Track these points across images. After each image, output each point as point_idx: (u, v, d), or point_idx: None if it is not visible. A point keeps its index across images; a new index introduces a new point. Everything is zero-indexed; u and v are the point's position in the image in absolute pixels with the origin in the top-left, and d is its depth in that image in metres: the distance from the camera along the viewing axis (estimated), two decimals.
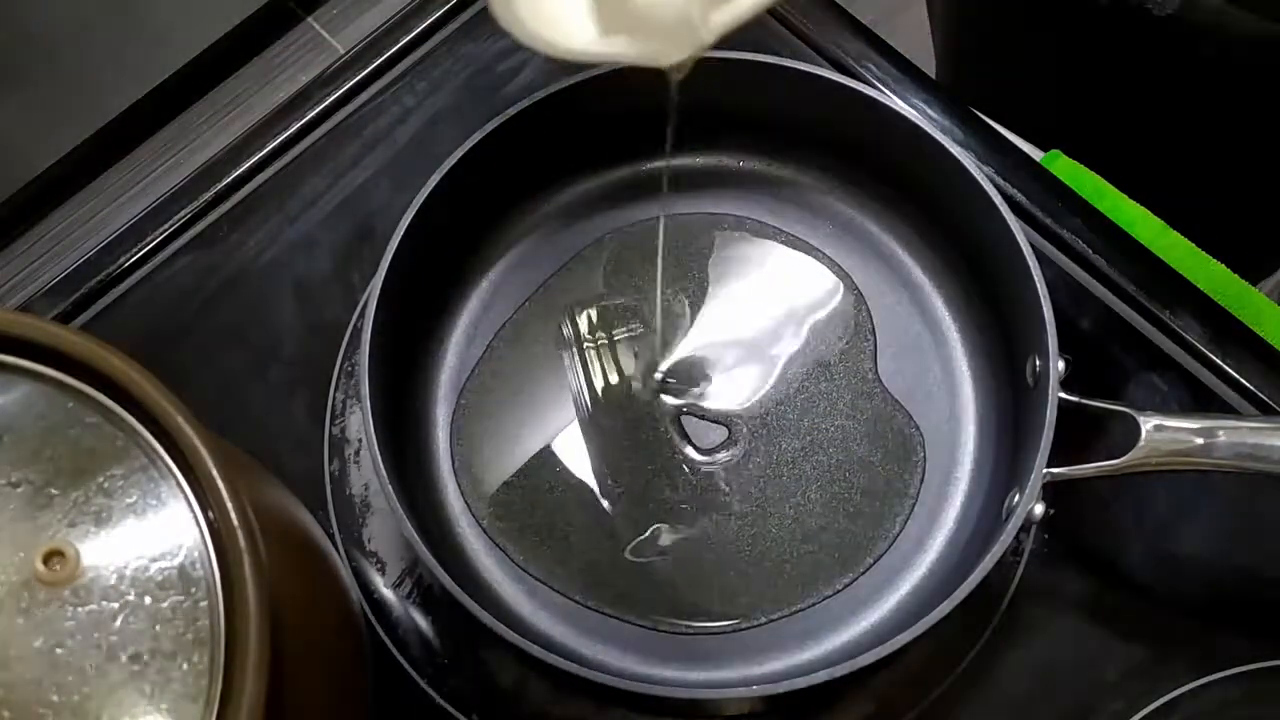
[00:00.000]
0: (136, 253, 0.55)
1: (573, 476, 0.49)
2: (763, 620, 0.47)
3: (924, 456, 0.49)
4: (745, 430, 0.49)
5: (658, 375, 0.50)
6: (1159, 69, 0.62)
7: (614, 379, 0.51)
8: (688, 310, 0.52)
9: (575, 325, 0.51)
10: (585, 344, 0.51)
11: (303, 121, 0.57)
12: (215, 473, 0.30)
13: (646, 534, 0.48)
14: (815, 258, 0.53)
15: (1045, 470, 0.42)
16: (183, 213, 0.56)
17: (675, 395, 0.50)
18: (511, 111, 0.48)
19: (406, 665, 0.47)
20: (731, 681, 0.46)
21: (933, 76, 0.58)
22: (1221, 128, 0.64)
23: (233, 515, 0.30)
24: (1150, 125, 0.66)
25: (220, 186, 0.56)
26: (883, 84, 0.56)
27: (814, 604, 0.47)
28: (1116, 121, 0.67)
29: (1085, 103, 0.68)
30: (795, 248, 0.53)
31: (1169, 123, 0.65)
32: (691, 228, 0.53)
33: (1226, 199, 0.68)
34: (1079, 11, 0.61)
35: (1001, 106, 0.60)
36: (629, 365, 0.51)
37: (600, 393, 0.50)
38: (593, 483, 0.49)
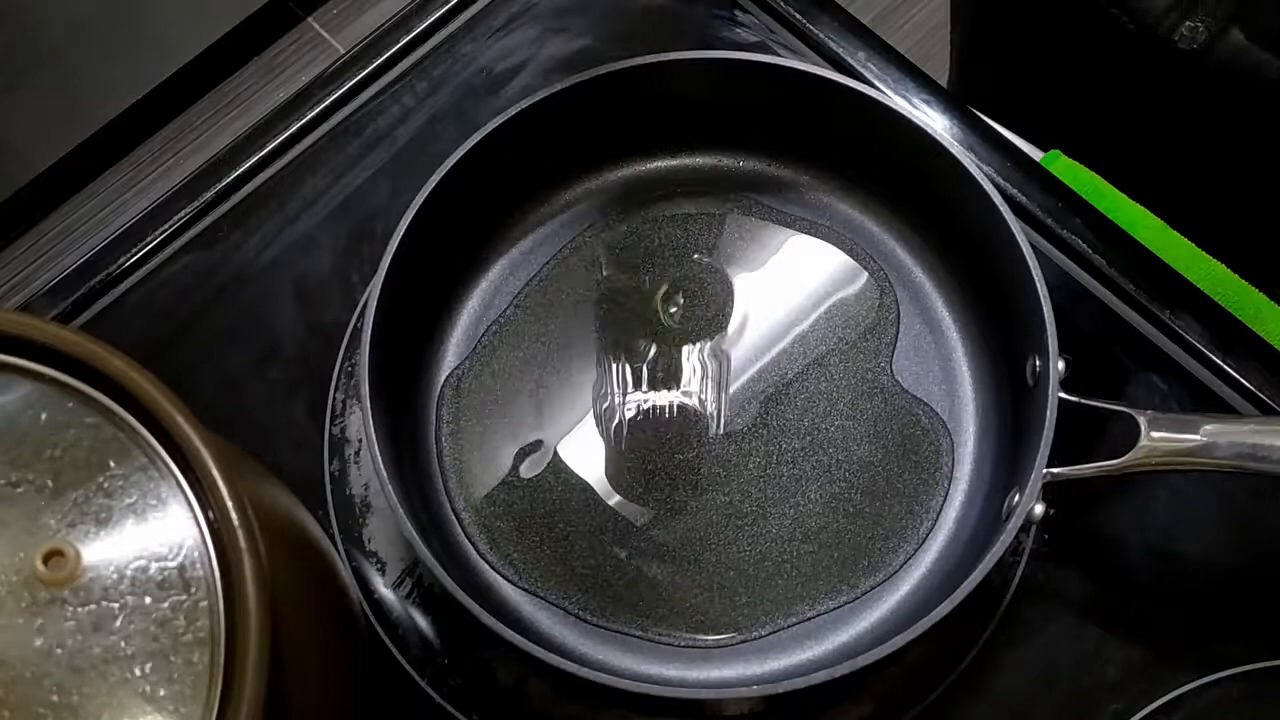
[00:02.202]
0: (137, 253, 0.55)
1: (573, 476, 0.49)
2: (764, 632, 0.46)
3: (950, 454, 0.49)
4: (745, 430, 0.49)
5: (660, 373, 0.50)
6: (1177, 95, 0.62)
7: (619, 376, 0.51)
8: (689, 308, 0.52)
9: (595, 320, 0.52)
10: (595, 339, 0.51)
11: (303, 121, 0.57)
12: (215, 473, 0.30)
13: (647, 534, 0.48)
14: (814, 258, 0.53)
15: (1045, 470, 0.42)
16: (183, 213, 0.56)
17: (676, 394, 0.50)
18: (511, 112, 0.48)
19: (406, 665, 0.47)
20: (731, 681, 0.46)
21: (931, 76, 0.57)
22: (1232, 151, 0.64)
23: (233, 515, 0.30)
24: (1158, 138, 0.66)
25: (220, 186, 0.56)
26: (883, 84, 0.56)
27: (817, 610, 0.47)
28: (1123, 130, 0.67)
29: (1094, 111, 0.68)
30: (794, 249, 0.53)
31: (1178, 138, 0.65)
32: (692, 227, 0.53)
33: (1228, 202, 0.69)
34: (1103, 32, 0.61)
35: (1004, 107, 0.60)
36: (631, 362, 0.51)
37: (607, 391, 0.50)
38: (593, 482, 0.49)
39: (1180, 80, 0.60)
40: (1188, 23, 0.56)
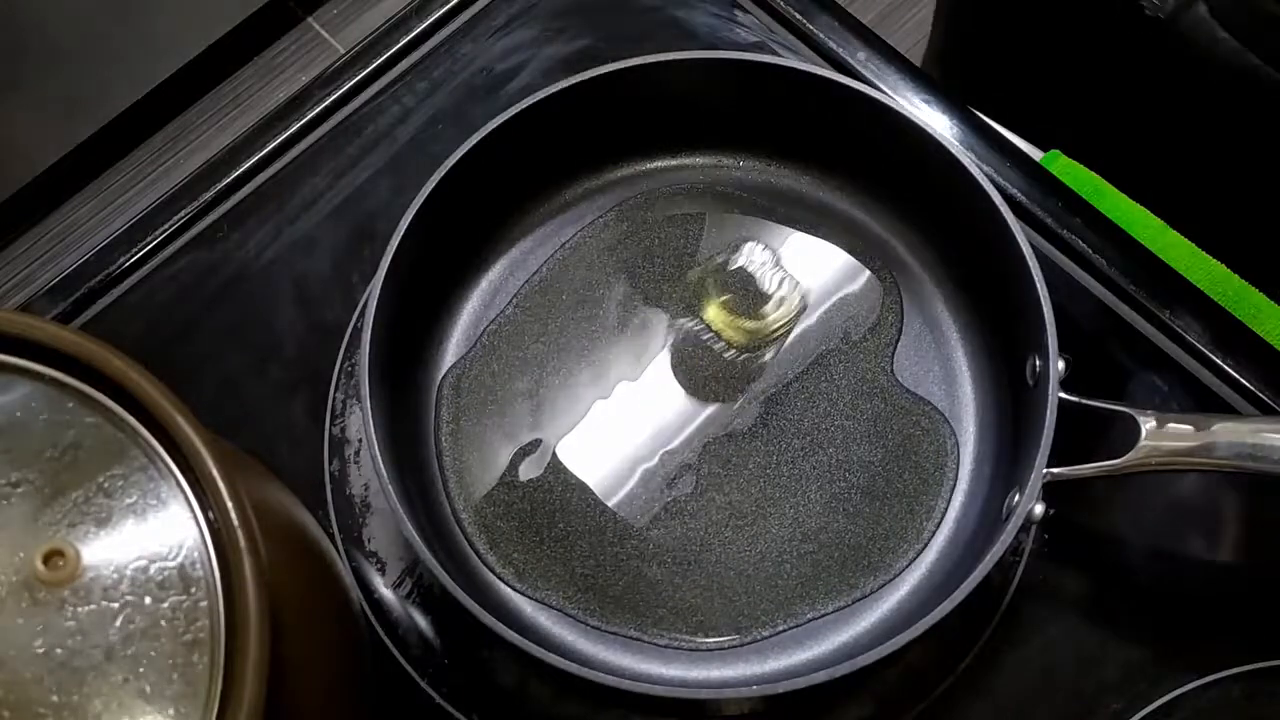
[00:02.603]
0: (137, 253, 0.55)
1: (572, 476, 0.49)
2: (764, 633, 0.46)
3: (950, 455, 0.49)
4: (745, 430, 0.49)
5: (660, 374, 0.50)
6: (1144, 67, 0.62)
7: (619, 376, 0.51)
8: (689, 309, 0.52)
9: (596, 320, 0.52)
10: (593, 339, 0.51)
11: (303, 121, 0.57)
12: (215, 473, 0.30)
13: (647, 534, 0.48)
14: (814, 258, 0.53)
15: (1045, 470, 0.42)
16: (183, 213, 0.56)
17: (675, 395, 0.50)
18: (511, 112, 0.48)
19: (406, 665, 0.47)
20: (731, 681, 0.46)
21: (931, 77, 0.58)
22: (1224, 146, 0.64)
23: (233, 515, 0.30)
24: (1156, 136, 0.66)
25: (220, 186, 0.56)
26: (883, 84, 0.56)
27: (817, 610, 0.47)
28: (1122, 129, 0.67)
29: (1085, 102, 0.68)
30: (794, 249, 0.53)
31: (1175, 136, 0.65)
32: (692, 227, 0.53)
33: (1227, 202, 0.68)
34: (1088, 5, 0.61)
35: (1002, 106, 0.60)
36: (631, 363, 0.51)
37: (607, 391, 0.50)
38: (592, 483, 0.49)
39: (1146, 50, 0.60)
40: None
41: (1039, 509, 0.43)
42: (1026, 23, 0.68)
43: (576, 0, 0.60)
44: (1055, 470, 0.43)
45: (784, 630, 0.46)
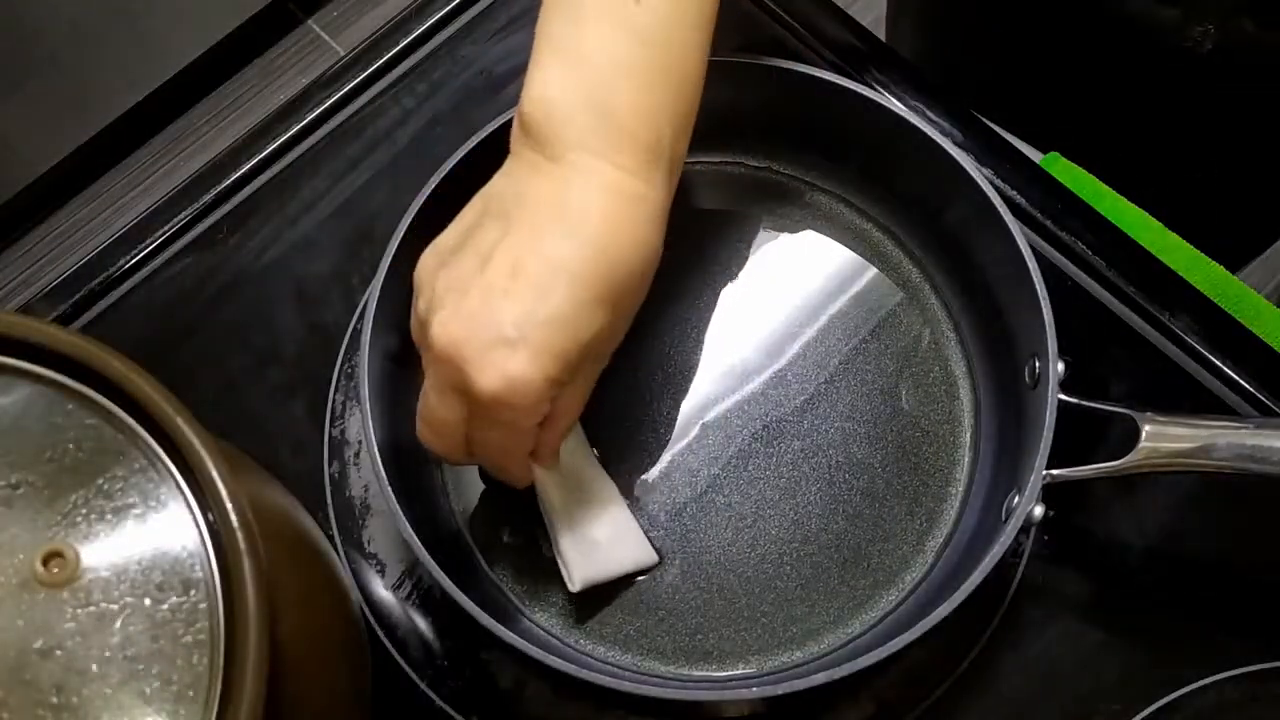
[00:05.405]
0: (137, 255, 0.55)
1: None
2: (764, 634, 0.46)
3: (949, 456, 0.49)
4: (745, 432, 0.49)
5: (660, 375, 0.50)
6: (1189, 97, 0.62)
7: (617, 377, 0.51)
8: (689, 310, 0.52)
9: None
10: None
11: (303, 124, 0.57)
12: (215, 474, 0.30)
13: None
14: (814, 259, 0.53)
15: (1045, 471, 0.42)
16: (183, 215, 0.56)
17: (675, 395, 0.50)
18: (511, 113, 0.48)
19: (406, 667, 0.47)
20: (731, 682, 0.46)
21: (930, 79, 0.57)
22: (1233, 150, 0.64)
23: (233, 516, 0.30)
24: (1158, 139, 0.66)
25: (220, 188, 0.56)
26: (882, 86, 0.56)
27: (817, 611, 0.47)
28: (1123, 132, 0.67)
29: (1090, 110, 0.68)
30: (794, 250, 0.53)
31: (1177, 139, 0.65)
32: (691, 229, 0.53)
33: (1227, 205, 0.68)
34: (1108, 38, 0.61)
35: (1002, 108, 0.60)
36: (631, 364, 0.51)
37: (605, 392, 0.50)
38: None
39: (1195, 81, 0.60)
40: (1197, 28, 0.56)
41: (1039, 510, 0.43)
42: (1026, 27, 0.68)
43: None
44: (1055, 472, 0.43)
45: (784, 632, 0.46)
